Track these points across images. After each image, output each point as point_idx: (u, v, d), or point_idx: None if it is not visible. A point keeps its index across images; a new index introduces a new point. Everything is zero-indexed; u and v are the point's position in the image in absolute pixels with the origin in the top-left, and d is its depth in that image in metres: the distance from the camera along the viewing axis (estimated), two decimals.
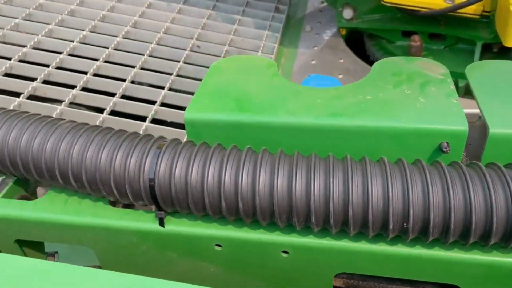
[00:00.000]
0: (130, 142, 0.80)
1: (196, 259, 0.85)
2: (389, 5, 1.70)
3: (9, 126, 0.84)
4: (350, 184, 0.70)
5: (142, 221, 0.83)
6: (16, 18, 1.78)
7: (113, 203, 0.88)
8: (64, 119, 0.88)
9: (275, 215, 0.73)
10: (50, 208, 0.85)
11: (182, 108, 1.56)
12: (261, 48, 1.85)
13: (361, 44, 2.06)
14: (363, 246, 0.76)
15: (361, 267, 0.78)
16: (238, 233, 0.80)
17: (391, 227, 0.69)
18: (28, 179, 0.88)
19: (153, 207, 0.81)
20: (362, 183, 0.70)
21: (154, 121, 1.48)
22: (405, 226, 0.70)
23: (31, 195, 0.98)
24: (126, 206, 0.90)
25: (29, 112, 0.89)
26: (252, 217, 0.76)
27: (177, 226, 0.82)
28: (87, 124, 0.87)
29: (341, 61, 1.86)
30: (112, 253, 0.88)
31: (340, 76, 1.78)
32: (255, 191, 0.72)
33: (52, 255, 1.05)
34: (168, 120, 1.54)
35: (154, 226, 0.82)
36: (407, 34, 1.90)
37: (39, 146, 0.81)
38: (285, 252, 0.80)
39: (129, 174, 0.77)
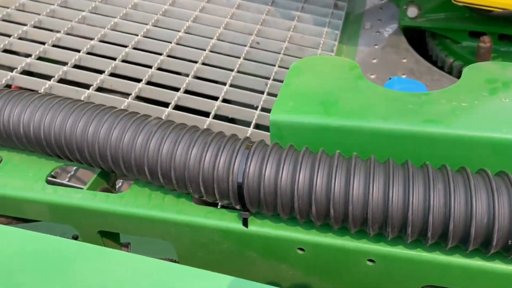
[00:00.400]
0: (218, 141, 0.80)
1: (275, 260, 0.85)
2: (460, 4, 1.62)
3: (99, 121, 0.86)
4: (451, 197, 0.67)
5: (226, 220, 0.83)
6: (83, 11, 1.84)
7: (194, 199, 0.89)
8: (151, 116, 0.89)
9: (367, 224, 0.72)
10: (135, 203, 0.87)
11: (243, 105, 1.57)
12: (320, 45, 1.82)
13: (418, 42, 1.99)
14: (457, 260, 0.73)
15: (451, 281, 0.76)
16: (323, 239, 0.79)
17: (494, 243, 0.66)
18: (114, 172, 0.90)
19: (238, 207, 0.81)
20: (465, 196, 0.67)
21: (216, 116, 1.49)
22: (509, 243, 0.66)
23: (111, 187, 1.00)
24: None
25: (114, 107, 0.92)
26: (342, 223, 0.74)
27: (260, 227, 0.82)
28: (172, 121, 0.88)
29: (404, 60, 1.80)
30: (191, 249, 0.89)
31: (403, 76, 1.72)
32: (348, 198, 0.71)
33: (126, 246, 1.08)
34: (229, 116, 1.55)
35: (238, 225, 0.82)
36: (475, 35, 1.81)
37: (129, 142, 0.83)
38: (370, 260, 0.78)
39: (217, 174, 0.78)
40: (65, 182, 1.19)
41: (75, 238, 1.09)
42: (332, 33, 1.90)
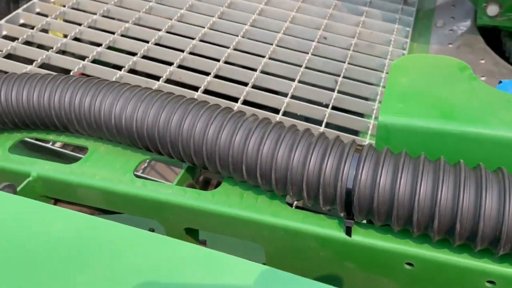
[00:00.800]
0: (323, 143, 0.75)
1: (377, 273, 0.79)
2: None
3: (194, 115, 0.82)
4: None
5: (326, 227, 0.78)
6: (149, 1, 1.82)
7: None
8: (245, 112, 0.85)
9: (499, 243, 0.65)
10: (227, 202, 0.84)
11: (309, 102, 1.51)
12: (391, 42, 1.73)
13: (492, 42, 1.86)
14: None
15: None
16: (439, 255, 0.72)
17: None
18: (206, 168, 0.87)
19: (343, 214, 0.76)
20: None
21: (284, 113, 1.44)
22: None
23: (195, 183, 0.97)
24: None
25: (207, 102, 0.88)
26: (466, 240, 0.68)
27: (365, 237, 0.76)
28: (269, 119, 0.83)
29: (482, 61, 1.69)
30: (283, 253, 0.84)
31: (483, 78, 1.61)
32: (479, 213, 0.64)
33: (203, 243, 1.05)
34: (298, 113, 1.49)
35: (339, 234, 0.77)
36: None
37: (226, 139, 0.79)
38: (490, 282, 0.71)
39: (324, 178, 0.73)
40: (144, 175, 1.17)
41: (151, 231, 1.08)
42: (403, 30, 1.81)
